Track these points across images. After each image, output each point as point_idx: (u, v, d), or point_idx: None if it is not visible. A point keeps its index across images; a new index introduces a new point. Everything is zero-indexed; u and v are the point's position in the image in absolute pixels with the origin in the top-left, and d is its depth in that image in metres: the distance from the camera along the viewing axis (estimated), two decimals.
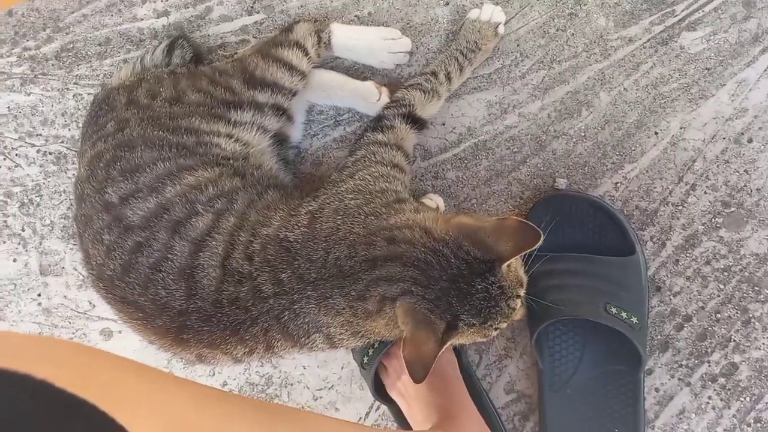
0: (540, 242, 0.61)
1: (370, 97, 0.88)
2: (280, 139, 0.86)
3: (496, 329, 0.65)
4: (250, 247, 0.68)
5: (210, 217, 0.70)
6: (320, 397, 0.93)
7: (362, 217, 0.69)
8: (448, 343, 0.64)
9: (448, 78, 0.85)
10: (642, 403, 0.82)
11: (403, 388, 0.82)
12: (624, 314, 0.78)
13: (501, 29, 0.87)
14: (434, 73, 0.85)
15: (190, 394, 0.46)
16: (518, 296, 0.65)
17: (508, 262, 0.63)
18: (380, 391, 0.86)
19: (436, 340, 0.62)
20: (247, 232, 0.69)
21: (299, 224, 0.69)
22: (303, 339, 0.69)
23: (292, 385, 0.94)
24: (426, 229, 0.65)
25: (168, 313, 0.68)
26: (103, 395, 0.37)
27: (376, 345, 0.83)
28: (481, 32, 0.86)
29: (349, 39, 0.87)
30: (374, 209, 0.69)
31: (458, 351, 0.86)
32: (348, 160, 0.81)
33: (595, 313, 0.78)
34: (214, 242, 0.68)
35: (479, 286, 0.62)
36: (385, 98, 0.87)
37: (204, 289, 0.67)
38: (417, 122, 0.84)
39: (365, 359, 0.85)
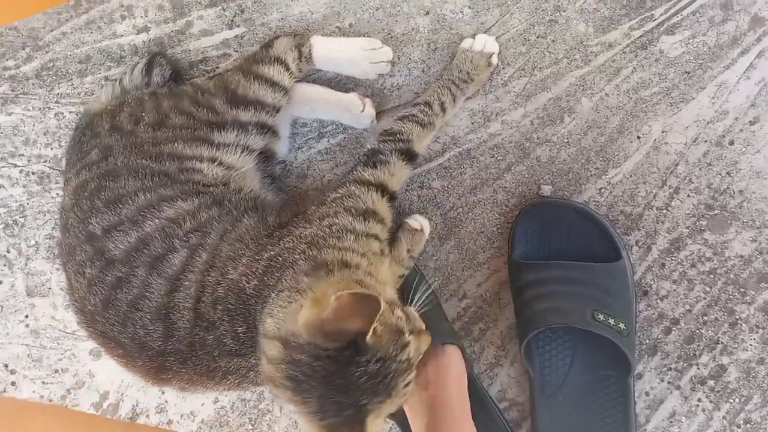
0: (381, 307, 0.54)
1: (354, 109, 0.87)
2: (266, 156, 0.86)
3: (406, 386, 0.59)
4: (215, 292, 0.66)
5: (185, 252, 0.68)
6: None
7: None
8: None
9: (443, 109, 0.83)
10: (632, 407, 0.83)
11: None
12: (611, 321, 0.78)
13: (494, 59, 0.86)
14: (428, 104, 0.82)
15: None
16: (405, 345, 0.58)
17: (368, 334, 0.55)
18: None
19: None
20: (217, 271, 0.67)
21: (255, 273, 0.65)
22: None
23: None
24: (284, 341, 0.58)
25: (147, 353, 0.67)
26: None
27: None
28: (473, 62, 0.84)
29: (331, 51, 0.87)
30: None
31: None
32: (329, 195, 0.76)
33: (583, 321, 0.78)
34: (187, 282, 0.67)
35: (356, 373, 0.55)
36: (369, 109, 0.87)
37: (180, 331, 0.66)
38: (411, 157, 0.81)
39: None
